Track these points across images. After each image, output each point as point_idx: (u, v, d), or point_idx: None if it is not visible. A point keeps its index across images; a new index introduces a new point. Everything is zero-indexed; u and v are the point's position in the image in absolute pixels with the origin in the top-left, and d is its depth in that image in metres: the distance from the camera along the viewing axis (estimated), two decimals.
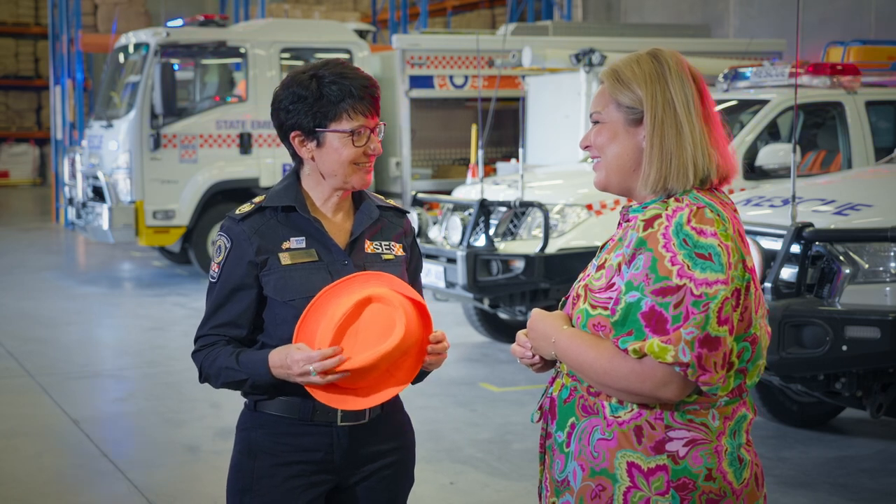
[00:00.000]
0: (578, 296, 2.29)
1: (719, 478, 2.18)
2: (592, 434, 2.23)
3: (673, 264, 2.12)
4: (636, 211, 2.26)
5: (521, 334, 2.39)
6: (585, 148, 2.35)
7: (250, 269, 2.63)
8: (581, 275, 2.37)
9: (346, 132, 2.60)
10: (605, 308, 2.20)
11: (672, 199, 2.22)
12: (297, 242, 2.64)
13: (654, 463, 2.17)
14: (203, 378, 2.69)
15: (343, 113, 2.60)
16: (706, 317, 2.10)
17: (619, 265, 2.20)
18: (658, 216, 2.18)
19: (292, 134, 2.67)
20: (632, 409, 2.19)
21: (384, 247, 2.73)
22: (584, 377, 2.24)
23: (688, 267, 2.11)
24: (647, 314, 2.12)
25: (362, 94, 2.61)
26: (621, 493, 2.18)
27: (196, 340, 2.71)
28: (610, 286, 2.21)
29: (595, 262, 2.33)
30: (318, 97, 2.60)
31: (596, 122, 2.32)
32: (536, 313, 2.34)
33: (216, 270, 2.67)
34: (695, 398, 2.19)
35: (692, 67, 2.29)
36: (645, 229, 2.18)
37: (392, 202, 2.83)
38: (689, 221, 2.15)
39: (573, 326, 2.28)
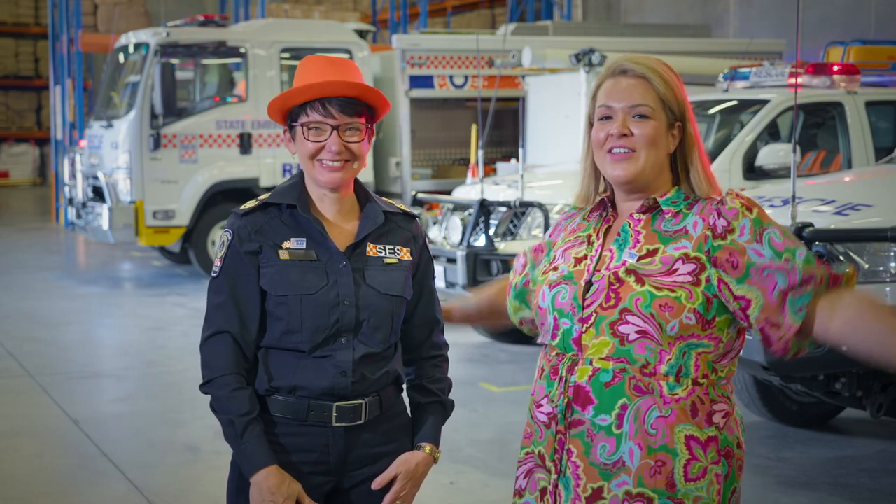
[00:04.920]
0: (622, 281, 2.32)
1: (743, 445, 2.38)
2: (648, 413, 2.30)
3: (782, 235, 2.33)
4: (667, 204, 2.37)
5: None
6: (622, 136, 2.37)
7: (251, 259, 2.63)
8: (566, 262, 2.44)
9: (302, 125, 2.63)
10: (672, 291, 2.29)
11: (710, 196, 2.38)
12: (297, 243, 2.64)
13: (707, 434, 2.31)
14: (206, 388, 2.64)
15: (305, 108, 2.63)
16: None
17: (687, 255, 2.31)
18: (737, 204, 2.33)
19: (283, 130, 2.72)
20: (687, 387, 2.31)
21: (388, 251, 2.70)
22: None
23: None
24: (815, 256, 2.33)
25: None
26: (681, 466, 2.29)
27: (204, 343, 2.65)
28: (672, 272, 2.30)
29: (632, 251, 2.36)
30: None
31: (642, 116, 2.37)
32: None
33: (218, 265, 2.66)
34: (725, 373, 2.36)
35: None
36: (751, 212, 2.32)
37: (402, 206, 2.81)
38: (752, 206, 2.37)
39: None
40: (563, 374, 2.37)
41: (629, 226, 2.39)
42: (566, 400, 2.36)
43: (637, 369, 2.31)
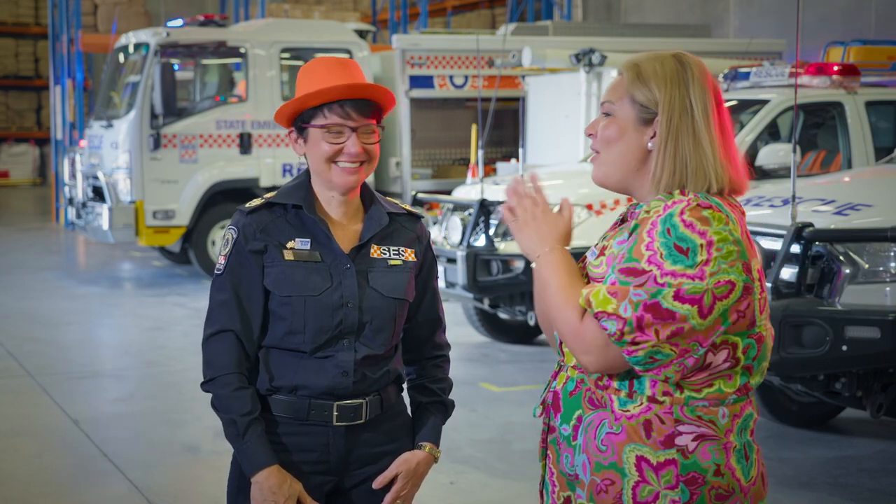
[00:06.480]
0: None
1: (728, 473, 2.18)
2: (600, 428, 2.21)
3: (647, 249, 2.12)
4: (641, 207, 2.27)
5: (519, 187, 2.35)
6: (589, 135, 2.33)
7: (256, 258, 2.63)
8: (580, 262, 2.39)
9: (320, 127, 2.61)
10: None
11: (678, 192, 2.21)
12: (301, 243, 2.64)
13: (664, 457, 2.16)
14: (208, 386, 2.65)
15: (322, 110, 2.60)
16: (659, 290, 2.10)
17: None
18: (658, 205, 2.19)
19: (289, 131, 2.69)
20: (641, 404, 2.18)
21: (392, 252, 2.70)
22: (539, 303, 2.27)
23: (661, 255, 2.11)
24: (609, 289, 2.14)
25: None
26: (630, 488, 2.17)
27: (206, 340, 2.66)
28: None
29: (594, 249, 2.33)
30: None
31: (607, 114, 2.29)
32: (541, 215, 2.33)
33: (223, 262, 2.66)
34: (705, 394, 2.18)
35: (712, 77, 2.27)
36: (641, 215, 2.21)
37: (407, 207, 2.81)
38: (682, 213, 2.13)
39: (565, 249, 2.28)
40: (550, 379, 2.37)
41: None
42: (545, 405, 2.35)
43: (593, 381, 2.24)
